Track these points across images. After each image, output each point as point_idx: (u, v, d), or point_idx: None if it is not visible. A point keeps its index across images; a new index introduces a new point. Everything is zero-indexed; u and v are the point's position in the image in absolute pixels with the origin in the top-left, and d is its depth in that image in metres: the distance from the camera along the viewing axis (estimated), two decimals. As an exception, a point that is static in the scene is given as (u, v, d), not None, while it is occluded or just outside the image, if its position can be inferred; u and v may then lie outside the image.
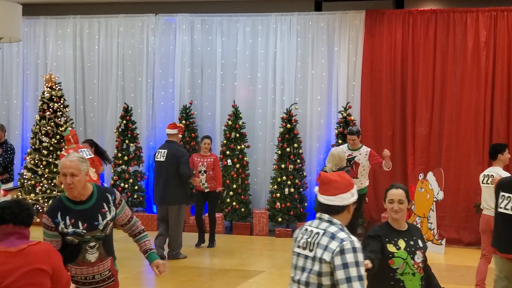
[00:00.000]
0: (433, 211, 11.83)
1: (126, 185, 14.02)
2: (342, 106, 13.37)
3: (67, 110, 14.21)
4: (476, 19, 12.78)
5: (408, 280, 4.99)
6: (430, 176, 11.87)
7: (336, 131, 13.31)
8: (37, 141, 13.74)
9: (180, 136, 11.33)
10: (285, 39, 13.93)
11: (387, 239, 4.97)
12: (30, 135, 14.19)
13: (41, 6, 15.10)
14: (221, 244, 12.14)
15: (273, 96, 13.98)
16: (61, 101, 14.01)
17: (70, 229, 4.79)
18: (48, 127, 13.76)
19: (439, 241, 11.73)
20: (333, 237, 3.87)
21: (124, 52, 14.76)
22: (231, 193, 13.53)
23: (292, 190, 13.23)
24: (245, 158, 13.72)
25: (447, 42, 12.97)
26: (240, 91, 14.18)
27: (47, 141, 13.69)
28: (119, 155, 14.10)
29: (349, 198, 4.03)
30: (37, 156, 13.71)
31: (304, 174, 13.58)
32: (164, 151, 10.81)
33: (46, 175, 13.59)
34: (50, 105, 13.85)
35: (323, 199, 4.02)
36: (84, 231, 4.80)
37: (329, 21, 13.73)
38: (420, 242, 5.16)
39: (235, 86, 14.21)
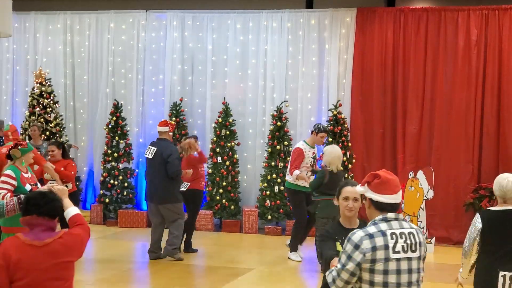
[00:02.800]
0: (422, 209, 11.83)
1: (116, 182, 13.97)
2: (333, 104, 13.35)
3: (57, 106, 14.15)
4: (467, 18, 12.79)
5: None
6: (420, 174, 11.88)
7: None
8: (27, 137, 13.66)
9: (171, 133, 11.15)
10: (276, 36, 13.90)
11: (336, 237, 4.90)
12: (19, 131, 14.10)
13: (31, 1, 15.01)
14: (211, 241, 12.12)
15: (264, 93, 13.96)
16: (51, 97, 13.97)
17: None
18: (38, 124, 13.67)
19: (429, 239, 11.73)
20: (421, 232, 4.12)
21: (114, 48, 14.70)
22: (220, 190, 13.50)
23: (282, 188, 13.20)
24: (235, 156, 13.70)
25: (438, 41, 12.97)
26: (230, 88, 14.15)
27: (36, 137, 13.60)
28: (109, 151, 14.05)
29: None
30: (26, 152, 13.62)
31: (294, 172, 13.54)
32: (154, 149, 10.60)
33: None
34: (40, 101, 13.80)
35: (388, 198, 4.08)
36: None
37: (320, 19, 13.72)
38: None
39: (225, 83, 14.18)
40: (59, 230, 4.47)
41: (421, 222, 11.83)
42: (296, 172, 10.47)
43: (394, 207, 4.08)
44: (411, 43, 13.12)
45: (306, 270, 10.29)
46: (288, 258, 10.70)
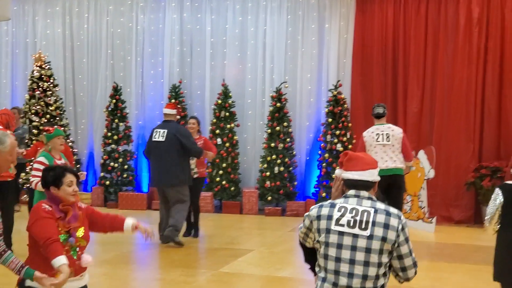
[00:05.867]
0: (424, 189, 11.79)
1: (116, 165, 13.96)
2: (333, 84, 13.28)
3: (57, 89, 14.12)
4: (469, -5, 12.67)
5: None
6: (421, 154, 11.83)
7: (326, 110, 13.23)
8: (27, 121, 13.64)
9: (178, 117, 10.95)
10: (275, 16, 13.82)
11: None
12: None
13: (29, -16, 14.98)
14: (211, 223, 12.11)
15: (263, 74, 13.90)
16: (51, 80, 13.92)
17: None
18: (38, 107, 13.67)
19: (430, 219, 11.70)
20: (388, 214, 3.87)
21: (113, 30, 14.65)
22: (220, 172, 13.48)
23: (281, 169, 13.18)
24: (235, 137, 13.66)
25: (439, 19, 12.86)
26: (229, 69, 14.09)
27: (37, 120, 13.60)
28: (109, 134, 14.03)
29: (376, 174, 4.02)
30: (27, 135, 13.61)
31: (294, 153, 13.53)
32: (164, 131, 10.23)
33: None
34: (40, 84, 13.76)
35: (354, 174, 3.96)
36: None
37: (320, -2, 13.64)
38: None
39: (224, 64, 14.12)
40: None
41: (422, 202, 11.80)
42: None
43: (364, 185, 3.94)
44: (412, 21, 13.02)
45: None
46: None
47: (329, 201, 4.01)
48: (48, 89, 13.81)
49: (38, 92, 13.72)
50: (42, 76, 13.81)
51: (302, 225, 4.07)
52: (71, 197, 4.60)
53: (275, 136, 13.35)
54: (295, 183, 13.46)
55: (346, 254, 3.83)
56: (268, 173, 13.25)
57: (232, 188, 13.50)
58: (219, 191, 13.53)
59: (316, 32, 13.64)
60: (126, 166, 14.03)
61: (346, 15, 13.48)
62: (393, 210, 3.92)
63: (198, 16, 14.22)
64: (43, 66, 13.91)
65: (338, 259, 3.84)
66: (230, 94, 13.72)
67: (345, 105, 13.23)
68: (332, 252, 3.85)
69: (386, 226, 3.84)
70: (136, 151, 14.36)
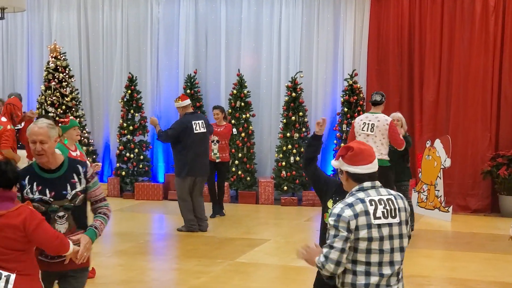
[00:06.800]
0: (440, 178, 11.74)
1: (132, 155, 13.99)
2: (348, 74, 13.24)
3: (73, 80, 14.15)
4: (485, -17, 12.57)
5: None
6: (438, 143, 11.77)
7: (342, 99, 13.20)
8: (43, 111, 13.69)
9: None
10: (290, 6, 13.78)
11: (333, 195, 4.95)
12: (36, 105, 14.14)
13: (44, -24, 15.01)
14: (227, 213, 12.13)
15: (278, 64, 13.87)
16: (66, 71, 13.96)
17: (36, 195, 4.68)
18: (53, 97, 13.73)
19: (446, 208, 11.66)
20: (401, 197, 4.08)
21: (128, 21, 14.67)
22: (236, 162, 13.49)
23: (297, 158, 13.17)
24: (250, 127, 13.66)
25: (455, 7, 12.77)
26: (244, 59, 14.07)
27: (53, 111, 13.65)
28: (125, 125, 14.06)
29: (377, 161, 4.15)
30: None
31: (310, 142, 13.48)
32: (201, 122, 10.58)
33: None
34: (56, 75, 13.80)
35: (364, 169, 4.04)
36: (51, 199, 4.68)
37: (335, -13, 13.58)
38: None
39: (239, 54, 14.10)
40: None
41: (438, 191, 11.76)
42: None
43: (371, 177, 4.05)
44: (428, 9, 12.93)
45: (322, 240, 10.26)
46: None
47: (352, 198, 3.99)
48: (63, 80, 13.85)
49: (54, 83, 13.76)
50: (58, 67, 13.85)
51: (334, 233, 3.93)
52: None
53: (291, 126, 13.33)
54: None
55: (386, 244, 3.94)
56: (284, 163, 13.25)
57: (248, 178, 13.52)
58: (235, 181, 13.54)
59: (331, 21, 13.60)
60: (142, 157, 14.06)
61: (362, 4, 13.42)
62: (399, 193, 4.15)
63: (213, 6, 14.20)
64: (58, 57, 13.94)
65: (381, 251, 3.93)
66: (245, 84, 13.71)
67: (361, 95, 13.18)
68: (375, 245, 3.92)
69: (405, 209, 4.05)
70: (152, 141, 14.38)
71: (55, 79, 13.79)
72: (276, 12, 13.86)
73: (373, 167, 4.06)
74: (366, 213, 3.91)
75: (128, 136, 14.05)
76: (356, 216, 3.89)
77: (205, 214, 10.80)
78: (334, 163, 4.22)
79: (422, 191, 11.99)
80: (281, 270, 8.54)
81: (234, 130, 13.47)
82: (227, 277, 8.13)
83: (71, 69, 14.19)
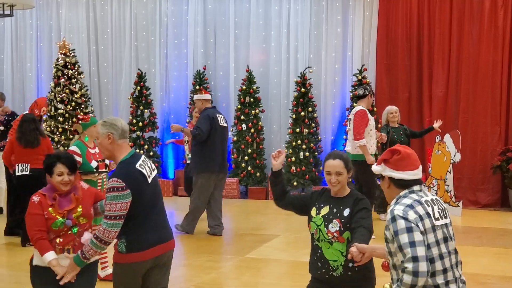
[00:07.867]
0: (450, 173, 11.72)
1: (141, 151, 14.02)
2: (357, 69, 13.22)
3: (82, 76, 14.20)
4: (494, -23, 12.53)
5: (325, 247, 4.57)
6: (447, 138, 11.74)
7: (351, 94, 13.18)
8: (53, 108, 13.75)
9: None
10: (298, 1, 13.76)
11: (316, 203, 4.69)
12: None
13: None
14: (237, 209, 12.15)
15: (287, 60, 13.87)
16: (75, 68, 14.00)
17: None
18: (63, 94, 13.77)
19: (456, 203, 11.65)
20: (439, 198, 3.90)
21: (137, 18, 14.69)
22: (246, 157, 13.51)
23: (307, 154, 13.18)
24: (260, 123, 13.66)
25: (464, 1, 12.73)
26: (253, 55, 14.08)
27: (62, 108, 13.70)
28: (134, 121, 14.09)
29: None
30: (53, 123, 13.75)
31: (319, 138, 13.52)
32: (223, 116, 10.13)
33: (62, 142, 13.63)
34: (65, 72, 13.85)
35: (411, 175, 3.70)
36: None
37: (344, -18, 13.55)
38: (346, 211, 4.53)
39: (248, 50, 14.10)
40: None
41: (448, 185, 11.74)
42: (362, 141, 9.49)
43: (417, 184, 3.71)
44: (436, 4, 12.90)
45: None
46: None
47: (407, 199, 3.64)
48: (73, 76, 13.90)
49: (63, 79, 13.81)
50: (67, 64, 13.90)
51: (408, 240, 3.49)
52: (61, 186, 4.66)
53: (300, 121, 13.33)
54: (321, 168, 13.44)
55: (449, 246, 3.65)
56: (293, 158, 13.26)
57: (258, 174, 13.53)
58: (244, 177, 13.56)
59: (340, 16, 13.57)
60: (151, 153, 14.09)
61: (370, -1, 13.41)
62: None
63: (221, 2, 14.20)
64: (67, 53, 13.99)
65: (449, 253, 3.63)
66: (254, 80, 13.71)
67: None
68: (444, 248, 3.61)
69: (447, 210, 3.78)
70: (161, 137, 14.41)
71: (64, 76, 13.83)
72: (284, 7, 13.85)
73: (419, 173, 3.73)
74: (428, 215, 3.59)
75: (138, 133, 14.09)
76: (420, 218, 3.55)
77: (221, 214, 10.24)
78: (375, 168, 3.82)
79: (432, 186, 11.97)
80: (291, 266, 8.55)
81: (244, 126, 13.47)
82: (237, 273, 8.15)
83: (80, 65, 14.23)
